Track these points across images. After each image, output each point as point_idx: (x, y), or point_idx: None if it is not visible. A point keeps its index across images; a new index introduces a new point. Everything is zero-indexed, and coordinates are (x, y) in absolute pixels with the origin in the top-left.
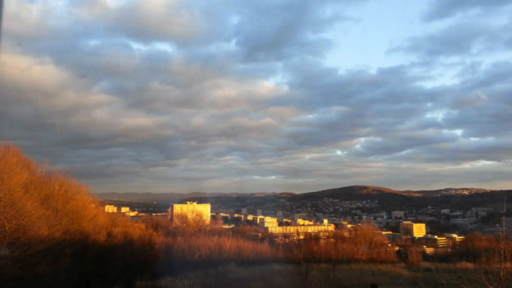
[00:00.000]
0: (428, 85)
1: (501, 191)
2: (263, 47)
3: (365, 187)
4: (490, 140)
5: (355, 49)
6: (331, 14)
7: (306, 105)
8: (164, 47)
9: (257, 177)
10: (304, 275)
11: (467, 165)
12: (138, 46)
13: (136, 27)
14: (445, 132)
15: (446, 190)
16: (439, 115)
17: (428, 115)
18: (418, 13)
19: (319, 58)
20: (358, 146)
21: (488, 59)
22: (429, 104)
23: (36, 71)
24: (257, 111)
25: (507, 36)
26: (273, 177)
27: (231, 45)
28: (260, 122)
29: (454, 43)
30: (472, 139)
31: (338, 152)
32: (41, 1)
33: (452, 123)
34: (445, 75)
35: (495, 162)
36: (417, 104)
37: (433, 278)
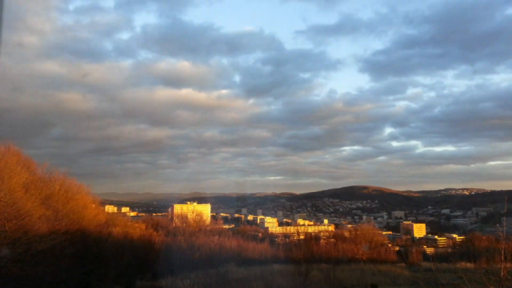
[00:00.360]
0: (380, 111)
1: (501, 191)
2: (259, 91)
3: (365, 187)
4: (451, 149)
5: (325, 91)
6: (309, 76)
7: (295, 124)
8: (189, 90)
9: (257, 177)
10: (305, 275)
11: (440, 168)
12: (170, 90)
13: (171, 80)
14: (405, 143)
15: (446, 190)
16: (395, 131)
17: (387, 132)
18: (364, 78)
19: (302, 96)
20: (344, 153)
21: (420, 96)
22: (386, 124)
23: (89, 103)
24: (256, 128)
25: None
26: (273, 177)
27: (236, 90)
28: (259, 135)
29: (392, 90)
30: (432, 148)
31: (330, 159)
32: (112, 64)
33: (407, 137)
34: (395, 105)
35: (464, 166)
36: (376, 123)
37: (434, 278)
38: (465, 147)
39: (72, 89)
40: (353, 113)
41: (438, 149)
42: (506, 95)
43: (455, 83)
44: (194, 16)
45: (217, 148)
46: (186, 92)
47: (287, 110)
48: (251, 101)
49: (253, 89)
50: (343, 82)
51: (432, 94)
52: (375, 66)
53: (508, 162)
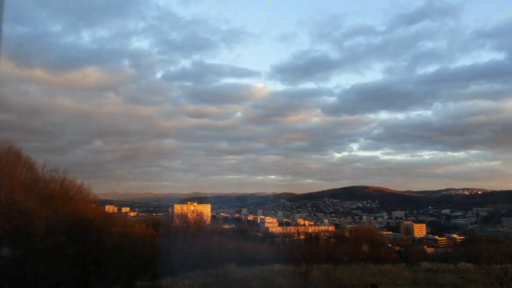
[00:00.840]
0: (344, 133)
1: (502, 191)
2: (257, 122)
3: (365, 187)
4: (409, 158)
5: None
6: (294, 112)
7: (286, 140)
8: (207, 120)
9: (257, 177)
10: (305, 275)
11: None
12: (194, 119)
13: (197, 114)
14: (368, 153)
15: (446, 190)
16: (358, 145)
17: (353, 146)
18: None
19: (290, 122)
20: (332, 160)
21: (368, 124)
22: (350, 140)
23: (130, 126)
24: (255, 142)
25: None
26: (273, 177)
27: (241, 121)
28: (258, 147)
29: (347, 122)
30: (393, 157)
31: (321, 164)
32: (158, 107)
33: (365, 149)
34: (352, 129)
35: (429, 170)
36: (342, 140)
37: (434, 278)
38: (424, 157)
39: (124, 119)
40: (327, 134)
41: (399, 157)
42: (419, 122)
43: (385, 116)
44: (217, 81)
45: (224, 156)
46: (205, 120)
47: (279, 130)
48: (250, 126)
49: (253, 120)
50: (317, 117)
51: (374, 123)
52: (332, 110)
53: (463, 167)
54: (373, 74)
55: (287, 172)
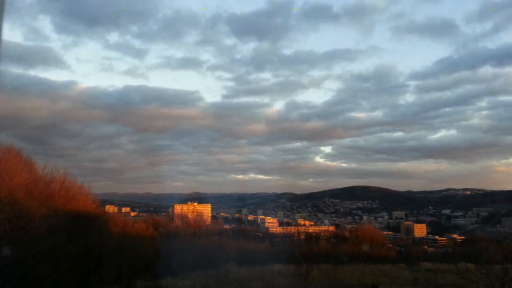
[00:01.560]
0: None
1: (502, 191)
2: (258, 144)
3: (366, 187)
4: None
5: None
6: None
7: (281, 154)
8: (222, 143)
9: (257, 176)
10: (305, 275)
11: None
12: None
13: (213, 137)
14: (329, 163)
15: (447, 190)
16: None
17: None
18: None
19: (283, 144)
20: (320, 167)
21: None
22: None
23: (177, 152)
24: (257, 155)
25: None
26: (274, 177)
27: (245, 145)
28: (259, 158)
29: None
30: (357, 164)
31: (313, 171)
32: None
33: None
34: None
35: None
36: (309, 155)
37: (434, 278)
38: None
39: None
40: (306, 151)
41: (357, 165)
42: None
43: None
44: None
45: (233, 165)
46: (220, 143)
47: (274, 149)
48: (254, 146)
49: (255, 142)
50: (297, 142)
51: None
52: (302, 138)
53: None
54: (317, 124)
55: (287, 172)
